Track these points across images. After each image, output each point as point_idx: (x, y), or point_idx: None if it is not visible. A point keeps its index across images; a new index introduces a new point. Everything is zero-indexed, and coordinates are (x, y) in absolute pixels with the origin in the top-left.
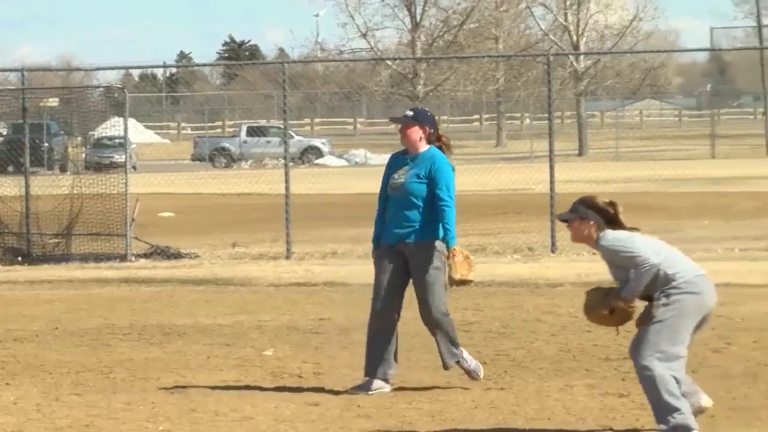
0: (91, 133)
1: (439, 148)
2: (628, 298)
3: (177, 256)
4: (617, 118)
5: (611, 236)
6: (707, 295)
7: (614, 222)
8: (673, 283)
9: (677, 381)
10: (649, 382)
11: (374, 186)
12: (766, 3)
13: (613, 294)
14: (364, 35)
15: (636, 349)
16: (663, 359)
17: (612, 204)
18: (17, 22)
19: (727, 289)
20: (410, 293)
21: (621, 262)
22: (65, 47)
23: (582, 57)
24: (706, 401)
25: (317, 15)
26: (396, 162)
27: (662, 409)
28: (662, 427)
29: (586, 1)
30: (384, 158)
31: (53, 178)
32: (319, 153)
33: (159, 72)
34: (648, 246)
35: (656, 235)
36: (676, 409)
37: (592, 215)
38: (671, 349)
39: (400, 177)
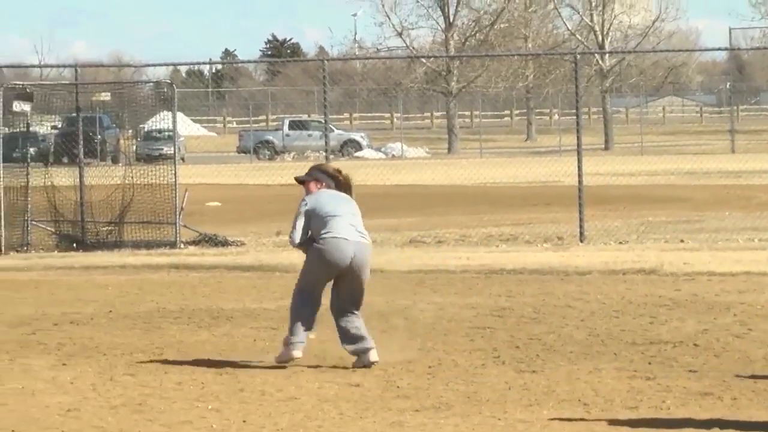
0: (141, 126)
1: None
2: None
3: (224, 243)
4: (641, 114)
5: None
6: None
7: (342, 187)
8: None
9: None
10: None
11: (411, 178)
12: None
13: None
14: (399, 34)
15: None
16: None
17: (338, 170)
18: (71, 20)
19: (747, 277)
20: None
21: None
22: (116, 44)
23: (607, 56)
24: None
25: (355, 15)
26: None
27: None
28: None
29: (610, 2)
30: (419, 152)
31: (106, 169)
32: (357, 146)
33: (205, 68)
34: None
35: (680, 225)
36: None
37: (324, 177)
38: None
39: None
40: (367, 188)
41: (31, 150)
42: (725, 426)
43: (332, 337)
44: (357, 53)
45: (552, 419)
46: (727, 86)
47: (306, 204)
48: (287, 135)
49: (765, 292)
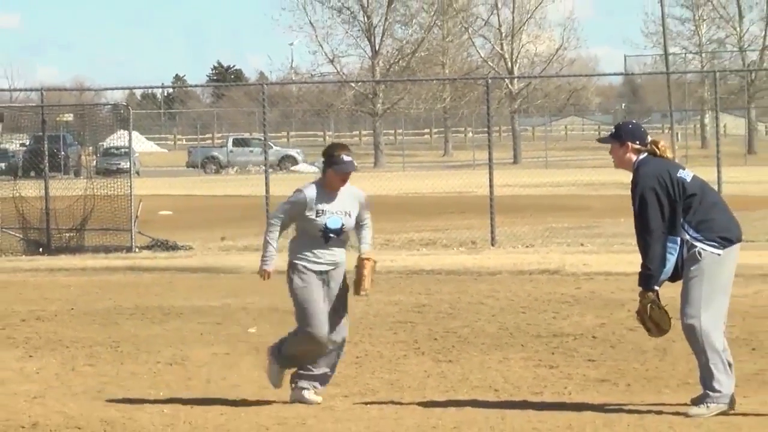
0: (100, 143)
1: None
2: None
3: (175, 248)
4: (546, 132)
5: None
6: None
7: None
8: None
9: None
10: None
11: None
12: (672, 33)
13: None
14: (331, 61)
15: None
16: None
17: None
18: (37, 47)
19: None
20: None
21: None
22: (78, 70)
23: (516, 80)
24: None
25: (291, 44)
26: None
27: None
28: None
29: (519, 33)
30: None
31: (69, 182)
32: (294, 161)
33: (158, 92)
34: None
35: (580, 231)
36: None
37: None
38: None
39: None
40: None
41: (1, 165)
42: (620, 409)
43: (271, 331)
44: (293, 78)
45: (466, 403)
46: (622, 107)
47: None
48: (231, 151)
49: None
